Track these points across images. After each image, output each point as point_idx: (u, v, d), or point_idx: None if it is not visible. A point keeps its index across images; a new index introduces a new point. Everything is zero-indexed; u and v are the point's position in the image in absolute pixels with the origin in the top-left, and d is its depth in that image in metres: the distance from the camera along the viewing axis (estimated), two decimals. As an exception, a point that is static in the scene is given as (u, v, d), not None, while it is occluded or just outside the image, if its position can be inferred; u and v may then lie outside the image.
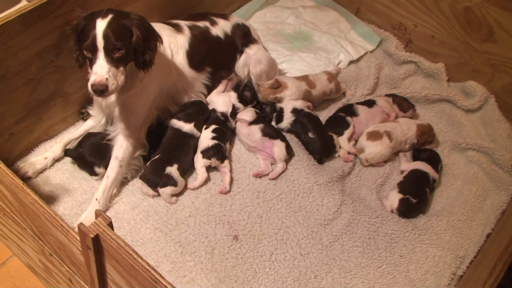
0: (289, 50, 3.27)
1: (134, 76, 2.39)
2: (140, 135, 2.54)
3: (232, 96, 2.81)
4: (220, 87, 2.82)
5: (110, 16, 2.15)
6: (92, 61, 2.14)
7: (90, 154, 2.49)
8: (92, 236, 1.54)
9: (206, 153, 2.55)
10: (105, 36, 2.11)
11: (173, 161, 2.48)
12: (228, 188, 2.54)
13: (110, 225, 1.58)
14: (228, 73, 2.88)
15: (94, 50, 2.12)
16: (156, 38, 2.33)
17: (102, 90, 2.11)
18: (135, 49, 2.22)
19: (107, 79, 2.11)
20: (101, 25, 2.12)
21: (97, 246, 1.59)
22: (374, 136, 2.76)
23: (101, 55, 2.11)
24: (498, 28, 2.92)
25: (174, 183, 2.44)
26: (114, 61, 2.14)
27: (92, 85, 2.11)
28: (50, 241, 1.92)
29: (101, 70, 2.11)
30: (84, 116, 2.72)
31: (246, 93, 2.84)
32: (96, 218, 1.58)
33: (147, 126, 2.60)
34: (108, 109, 2.49)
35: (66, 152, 2.54)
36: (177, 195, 2.50)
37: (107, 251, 1.59)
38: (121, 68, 2.19)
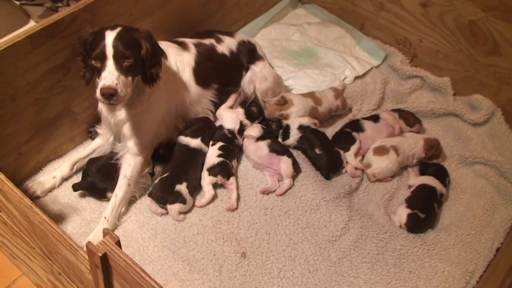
0: (295, 66, 3.29)
1: (141, 93, 2.41)
2: (148, 153, 2.56)
3: (240, 113, 2.83)
4: (229, 101, 2.84)
5: (119, 29, 2.20)
6: (100, 70, 2.16)
7: (101, 180, 2.48)
8: (100, 254, 1.55)
9: (212, 171, 2.56)
10: (115, 45, 2.14)
11: (182, 179, 2.49)
12: (235, 205, 2.54)
13: (118, 243, 1.59)
14: (234, 90, 2.89)
15: (103, 58, 2.15)
16: (161, 53, 2.36)
17: (111, 93, 2.11)
18: (143, 62, 2.25)
19: (116, 84, 2.12)
20: (110, 36, 2.16)
21: (105, 264, 1.60)
22: (381, 151, 2.76)
23: (110, 63, 2.14)
24: (503, 41, 2.93)
25: (183, 200, 2.45)
26: (123, 70, 2.16)
27: (101, 89, 2.11)
28: (59, 260, 1.93)
29: (110, 76, 2.13)
30: (92, 135, 2.74)
31: (253, 108, 2.86)
32: (104, 237, 1.59)
33: (155, 144, 2.62)
34: (116, 127, 2.51)
35: (75, 187, 2.48)
36: (185, 212, 2.50)
37: (115, 269, 1.59)
38: (129, 78, 2.21)
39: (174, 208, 2.44)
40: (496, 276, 2.12)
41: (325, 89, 3.06)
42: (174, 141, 2.67)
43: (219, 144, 2.67)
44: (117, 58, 2.14)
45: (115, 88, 2.11)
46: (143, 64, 2.27)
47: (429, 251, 2.49)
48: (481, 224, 2.64)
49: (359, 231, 2.52)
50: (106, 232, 1.60)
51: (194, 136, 2.65)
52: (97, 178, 2.48)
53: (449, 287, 2.37)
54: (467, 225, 2.62)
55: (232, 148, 2.69)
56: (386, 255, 2.46)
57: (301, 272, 2.36)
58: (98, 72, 2.18)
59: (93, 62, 2.19)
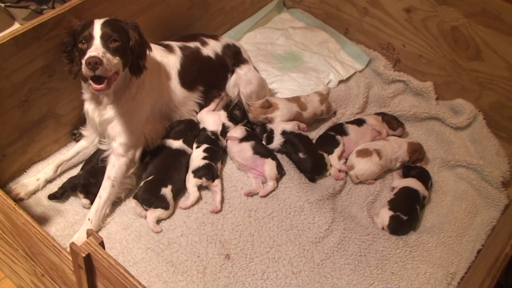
0: (280, 70, 3.31)
1: (127, 93, 2.43)
2: (133, 154, 2.55)
3: (222, 115, 2.84)
4: (211, 106, 2.85)
5: (106, 18, 2.26)
6: (86, 49, 2.17)
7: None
8: (84, 255, 1.55)
9: (197, 173, 2.57)
10: (102, 28, 2.20)
11: (166, 182, 2.49)
12: (219, 207, 2.55)
13: (102, 244, 1.59)
14: (220, 92, 2.90)
15: (90, 39, 2.18)
16: (147, 45, 2.40)
17: (96, 62, 2.11)
18: (132, 51, 2.29)
19: (102, 56, 2.13)
20: (98, 22, 2.22)
21: (88, 265, 1.60)
22: (364, 153, 2.79)
23: (97, 41, 2.17)
24: (485, 47, 2.97)
25: (166, 206, 2.45)
26: (109, 49, 2.19)
27: (87, 59, 2.11)
28: (42, 262, 1.92)
29: (96, 49, 2.15)
30: (76, 137, 2.73)
31: (236, 111, 2.88)
32: (87, 238, 1.59)
33: (142, 146, 2.62)
34: (101, 127, 2.51)
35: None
36: (168, 217, 2.50)
37: (98, 270, 1.60)
38: (117, 58, 2.22)
39: (155, 213, 2.44)
40: (476, 278, 2.15)
41: (311, 93, 3.08)
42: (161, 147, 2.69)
43: (204, 146, 2.68)
44: (104, 39, 2.18)
45: (101, 59, 2.12)
46: (132, 53, 2.30)
47: (411, 253, 2.51)
48: (462, 227, 2.67)
49: (342, 233, 2.54)
50: (89, 233, 1.61)
51: (176, 138, 2.66)
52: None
53: (430, 288, 2.40)
54: (449, 227, 2.65)
55: (216, 150, 2.70)
56: (368, 256, 2.48)
57: (284, 273, 2.37)
58: (83, 53, 2.18)
59: (79, 45, 2.21)
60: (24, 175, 2.60)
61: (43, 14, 2.33)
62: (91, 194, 2.48)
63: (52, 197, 2.50)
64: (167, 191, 2.46)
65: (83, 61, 2.14)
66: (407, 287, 2.39)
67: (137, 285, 1.49)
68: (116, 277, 1.52)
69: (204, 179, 2.56)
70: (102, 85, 2.19)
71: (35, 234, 1.75)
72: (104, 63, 2.13)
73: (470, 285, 2.17)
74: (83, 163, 2.64)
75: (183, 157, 2.64)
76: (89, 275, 1.64)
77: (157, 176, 2.51)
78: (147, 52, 2.40)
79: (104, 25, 2.21)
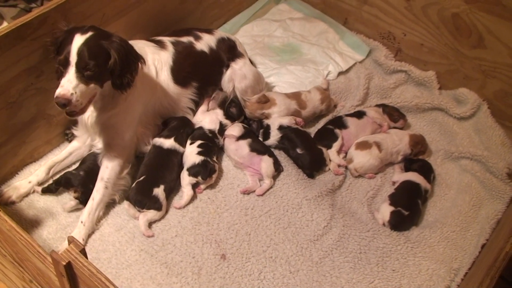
0: (277, 63, 3.24)
1: (118, 95, 2.37)
2: (127, 154, 2.51)
3: (219, 114, 2.78)
4: (203, 106, 2.79)
5: (89, 34, 2.15)
6: (62, 75, 2.13)
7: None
8: (64, 263, 1.51)
9: (192, 170, 2.52)
10: (79, 53, 2.11)
11: (159, 182, 2.44)
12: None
13: (83, 252, 1.55)
14: (215, 88, 2.85)
15: (66, 64, 2.12)
16: (137, 59, 2.31)
17: (64, 103, 2.09)
18: (111, 71, 2.21)
19: (72, 94, 2.09)
20: (78, 41, 2.12)
21: (70, 273, 1.56)
22: (363, 146, 2.73)
23: (71, 70, 2.11)
24: (487, 33, 2.89)
25: (158, 207, 2.41)
26: (84, 78, 2.13)
27: (56, 97, 2.10)
28: (30, 268, 1.89)
29: (68, 84, 2.10)
30: (68, 137, 2.69)
31: (232, 109, 2.82)
32: (68, 245, 1.55)
33: (136, 145, 2.57)
34: (93, 128, 2.46)
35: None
36: (160, 219, 2.46)
37: (80, 278, 1.56)
38: (92, 85, 2.17)
39: (147, 216, 2.39)
40: (478, 275, 2.08)
41: (312, 89, 3.00)
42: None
43: (199, 142, 2.63)
44: (79, 67, 2.11)
45: (69, 98, 2.08)
46: (112, 73, 2.23)
47: (413, 249, 2.45)
48: (466, 221, 2.60)
49: (341, 229, 2.48)
50: (70, 240, 1.56)
51: (167, 136, 2.60)
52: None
53: (433, 285, 2.34)
54: (452, 221, 2.59)
55: (211, 145, 2.65)
56: (369, 253, 2.42)
57: (282, 273, 2.32)
58: (60, 75, 2.14)
59: (57, 66, 2.16)
60: (16, 177, 2.57)
61: (28, 14, 2.27)
62: (87, 191, 2.44)
63: (46, 190, 2.47)
64: (159, 191, 2.41)
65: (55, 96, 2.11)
66: (409, 285, 2.33)
67: (118, 294, 1.45)
68: (97, 286, 1.47)
69: (199, 178, 2.51)
70: (75, 113, 2.19)
71: (19, 240, 1.71)
72: (73, 101, 2.10)
73: (472, 283, 2.10)
74: (77, 164, 2.60)
75: (175, 156, 2.58)
76: (71, 283, 1.60)
77: (149, 176, 2.46)
78: (138, 66, 2.32)
79: (83, 46, 2.11)
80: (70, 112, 2.18)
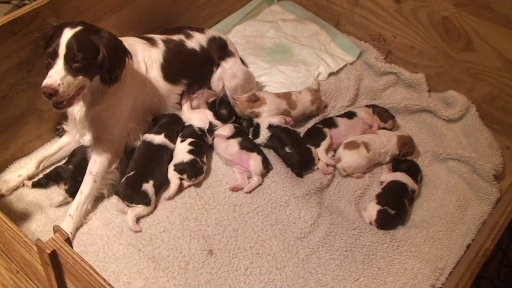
0: (269, 63, 3.27)
1: (106, 89, 2.38)
2: (116, 149, 2.53)
3: (208, 114, 2.79)
4: (186, 104, 2.80)
5: (79, 28, 2.17)
6: (51, 66, 2.14)
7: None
8: (49, 252, 1.53)
9: (178, 167, 2.54)
10: (68, 45, 2.12)
11: (148, 177, 2.46)
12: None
13: (68, 240, 1.56)
14: (204, 86, 2.87)
15: (54, 56, 2.13)
16: (126, 54, 2.33)
17: (50, 93, 2.09)
18: (100, 66, 2.23)
19: (59, 84, 2.10)
20: (67, 34, 2.14)
21: (55, 262, 1.58)
22: (351, 145, 2.75)
23: (60, 61, 2.12)
24: (476, 37, 2.92)
25: (147, 202, 2.42)
26: (72, 70, 2.14)
27: (42, 87, 2.10)
28: (17, 258, 1.91)
29: (55, 75, 2.11)
30: (59, 132, 2.71)
31: (222, 110, 2.82)
32: (54, 234, 1.57)
33: (125, 141, 2.59)
34: (82, 123, 2.48)
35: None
36: (151, 211, 2.47)
37: (65, 267, 1.57)
38: (80, 78, 2.18)
39: (135, 211, 2.40)
40: (459, 273, 2.10)
41: (303, 89, 3.02)
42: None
43: (189, 140, 2.64)
44: (68, 59, 2.12)
45: (55, 89, 2.09)
46: (100, 68, 2.24)
47: (398, 248, 2.47)
48: (452, 221, 2.62)
49: (328, 227, 2.50)
50: (56, 229, 1.58)
51: (157, 132, 2.62)
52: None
53: (418, 284, 2.35)
54: (439, 221, 2.61)
55: (202, 144, 2.67)
56: (355, 251, 2.44)
57: (268, 269, 2.34)
58: (49, 68, 2.15)
59: (46, 58, 2.17)
60: (6, 171, 2.58)
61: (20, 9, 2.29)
62: (76, 183, 2.45)
63: (36, 184, 2.49)
64: (148, 186, 2.43)
65: (41, 86, 2.11)
66: (394, 283, 2.35)
67: (102, 281, 1.47)
68: (81, 274, 1.49)
69: (185, 176, 2.52)
70: (63, 105, 2.19)
71: (6, 230, 1.72)
72: (60, 92, 2.10)
73: (453, 281, 2.12)
74: (66, 158, 2.61)
75: (165, 152, 2.60)
76: (56, 272, 1.62)
77: (139, 172, 2.47)
78: (126, 61, 2.34)
79: (72, 39, 2.13)
80: (57, 103, 2.18)
